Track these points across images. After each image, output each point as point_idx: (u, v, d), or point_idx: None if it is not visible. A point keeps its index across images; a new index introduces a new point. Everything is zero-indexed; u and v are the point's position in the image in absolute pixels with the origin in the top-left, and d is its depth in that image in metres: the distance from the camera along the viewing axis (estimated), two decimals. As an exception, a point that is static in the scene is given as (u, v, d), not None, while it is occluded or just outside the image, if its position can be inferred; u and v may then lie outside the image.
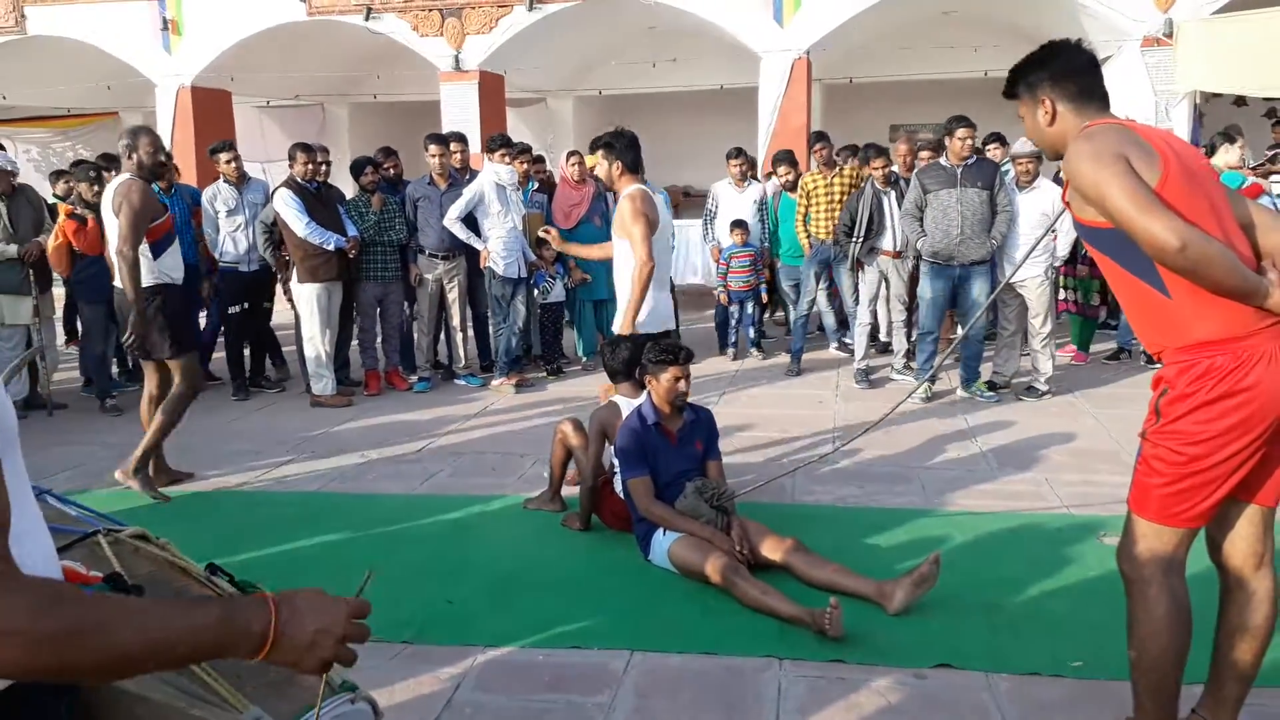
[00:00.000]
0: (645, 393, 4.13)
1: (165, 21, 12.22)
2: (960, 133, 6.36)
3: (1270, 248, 2.27)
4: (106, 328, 6.94)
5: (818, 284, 7.76)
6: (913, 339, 7.18)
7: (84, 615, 0.98)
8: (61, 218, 6.64)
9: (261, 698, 1.31)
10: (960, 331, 6.56)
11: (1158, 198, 2.14)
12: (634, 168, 4.72)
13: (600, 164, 4.79)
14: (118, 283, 4.97)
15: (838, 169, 7.73)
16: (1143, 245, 2.14)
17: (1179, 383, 2.25)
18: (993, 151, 7.47)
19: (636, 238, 4.49)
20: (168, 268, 5.09)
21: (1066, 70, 2.42)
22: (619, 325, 4.60)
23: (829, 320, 8.29)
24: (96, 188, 6.72)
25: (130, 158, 4.92)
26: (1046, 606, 3.46)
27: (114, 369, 7.60)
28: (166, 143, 12.04)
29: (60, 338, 8.53)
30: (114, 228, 4.87)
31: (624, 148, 4.68)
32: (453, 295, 7.35)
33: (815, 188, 7.68)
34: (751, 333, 8.19)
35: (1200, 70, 9.11)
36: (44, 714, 1.13)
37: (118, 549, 1.50)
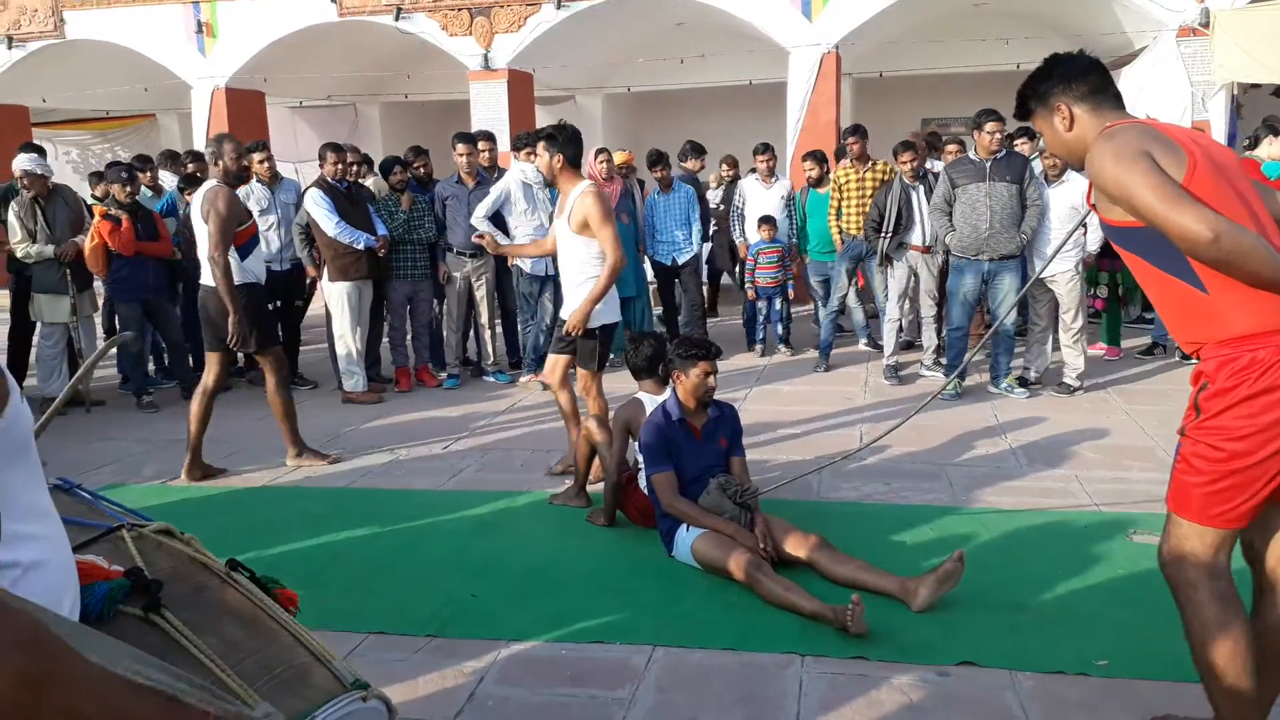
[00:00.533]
0: (670, 388, 4.14)
1: (200, 24, 12.38)
2: (989, 126, 6.30)
3: None
4: (143, 326, 7.06)
5: (850, 280, 7.71)
6: (942, 334, 7.12)
7: (52, 662, 0.97)
8: (96, 218, 6.76)
9: (271, 695, 1.34)
10: (1002, 330, 6.51)
11: (1185, 191, 2.10)
12: (574, 162, 4.79)
13: (541, 156, 4.81)
14: (204, 280, 5.24)
15: (870, 163, 7.67)
16: (1174, 239, 2.09)
17: (1219, 377, 2.19)
18: (1021, 145, 7.39)
19: (609, 238, 4.58)
20: (252, 268, 5.37)
21: (1073, 72, 2.40)
22: (573, 320, 4.68)
23: (858, 316, 8.25)
24: (129, 188, 6.83)
25: (216, 165, 5.19)
26: (1073, 605, 3.42)
27: (150, 367, 7.74)
28: (200, 144, 12.25)
29: (99, 336, 8.69)
30: (203, 233, 5.13)
31: (566, 141, 4.74)
32: (481, 293, 7.40)
33: (847, 181, 7.63)
34: (779, 329, 8.17)
35: (1237, 61, 8.94)
36: None
37: (141, 544, 1.52)
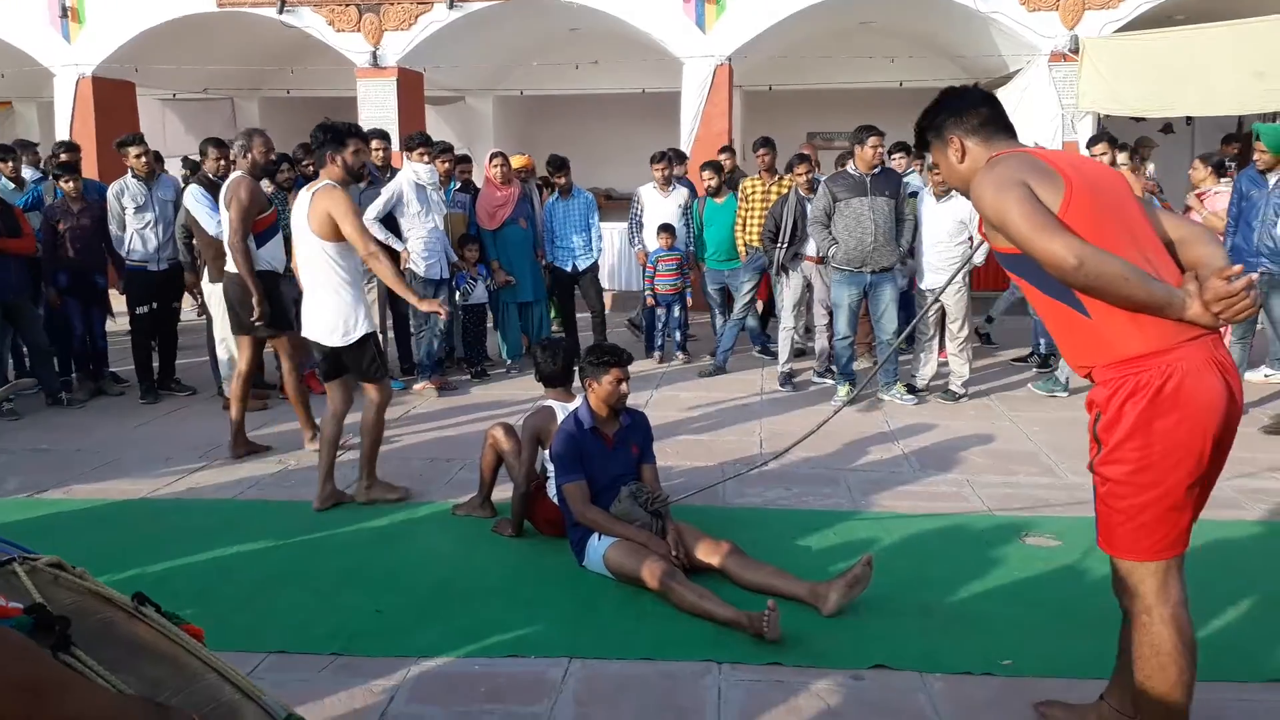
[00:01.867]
0: (581, 396, 4.10)
1: (65, 8, 11.65)
2: (871, 141, 6.46)
3: (1194, 260, 2.26)
4: (2, 329, 6.57)
5: (753, 290, 7.80)
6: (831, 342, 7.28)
7: (47, 673, 1.03)
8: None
9: None
10: (884, 337, 6.70)
11: (1055, 219, 2.15)
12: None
13: None
14: (228, 268, 5.57)
15: (778, 177, 7.78)
16: (1042, 264, 2.14)
17: (1110, 405, 2.22)
18: (896, 161, 7.66)
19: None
20: (269, 256, 5.70)
21: (964, 106, 2.46)
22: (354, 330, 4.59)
23: (751, 324, 8.36)
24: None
25: (245, 157, 5.48)
26: (975, 607, 3.53)
27: (10, 372, 7.20)
28: (65, 134, 11.52)
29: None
30: (227, 221, 5.46)
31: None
32: (372, 297, 7.14)
33: (753, 192, 7.72)
34: (677, 335, 8.21)
35: (1099, 92, 9.48)
36: None
37: (36, 578, 1.38)
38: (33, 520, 4.58)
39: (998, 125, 2.46)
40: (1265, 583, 3.66)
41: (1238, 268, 2.11)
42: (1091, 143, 7.35)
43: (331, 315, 4.58)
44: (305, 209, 4.54)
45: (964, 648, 3.20)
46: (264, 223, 5.59)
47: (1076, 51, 9.86)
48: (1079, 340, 2.30)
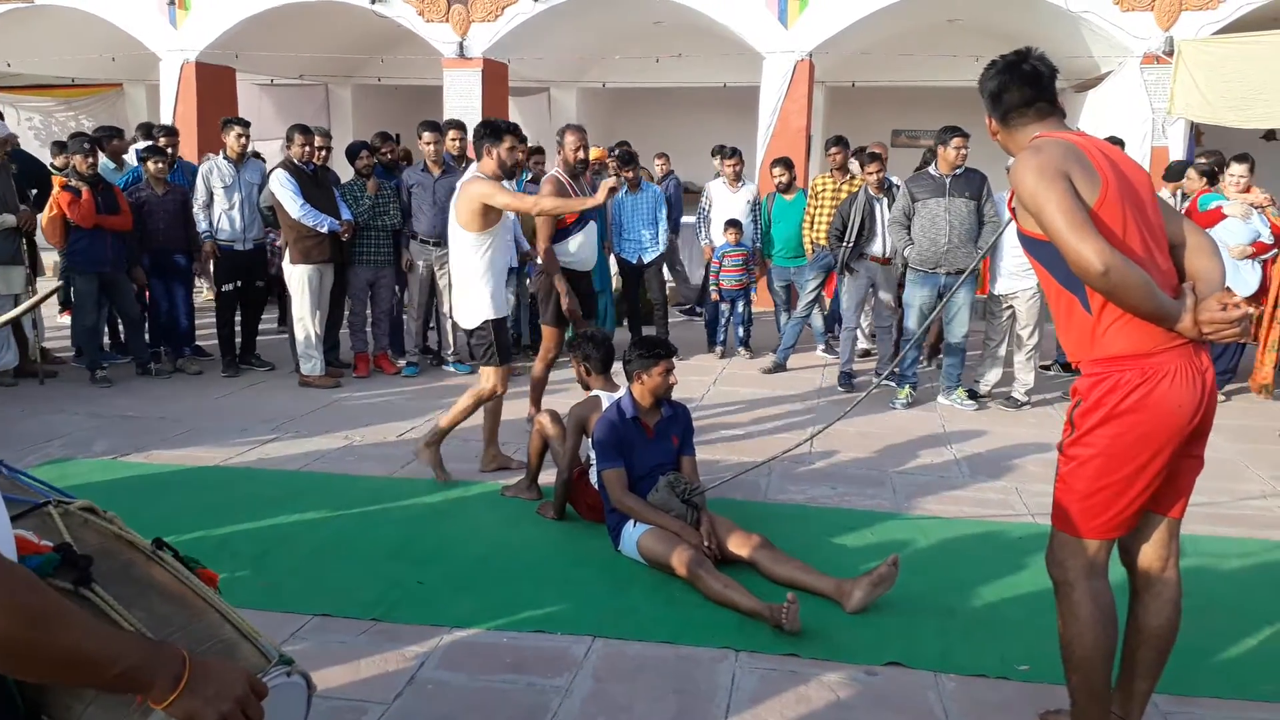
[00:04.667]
0: (625, 387, 4.21)
1: (172, -5, 12.24)
2: (955, 142, 6.41)
3: (1195, 271, 2.37)
4: (98, 300, 6.97)
5: (818, 288, 7.82)
6: (898, 344, 7.25)
7: (52, 604, 1.11)
8: (56, 189, 6.66)
9: None
10: (953, 340, 6.64)
11: (1091, 219, 2.22)
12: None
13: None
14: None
15: (850, 176, 7.76)
16: (1070, 263, 2.23)
17: (1091, 395, 2.36)
18: None
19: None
20: (572, 250, 5.89)
21: (1000, 93, 2.51)
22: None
23: (816, 323, 8.36)
24: (91, 160, 6.75)
25: (559, 153, 5.82)
26: (1001, 611, 3.54)
27: (105, 341, 7.65)
28: (170, 117, 12.11)
29: (54, 307, 8.60)
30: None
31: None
32: (443, 281, 7.40)
33: (823, 190, 7.73)
34: (740, 331, 8.26)
35: (1194, 98, 9.17)
36: None
37: (68, 520, 1.54)
38: (114, 481, 4.90)
39: (1027, 111, 2.48)
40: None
41: (1236, 298, 2.24)
42: (1239, 160, 6.99)
43: (467, 301, 4.90)
44: (455, 203, 4.84)
45: (982, 651, 3.22)
46: (564, 221, 5.82)
47: (1171, 54, 9.55)
48: (1076, 331, 2.42)
